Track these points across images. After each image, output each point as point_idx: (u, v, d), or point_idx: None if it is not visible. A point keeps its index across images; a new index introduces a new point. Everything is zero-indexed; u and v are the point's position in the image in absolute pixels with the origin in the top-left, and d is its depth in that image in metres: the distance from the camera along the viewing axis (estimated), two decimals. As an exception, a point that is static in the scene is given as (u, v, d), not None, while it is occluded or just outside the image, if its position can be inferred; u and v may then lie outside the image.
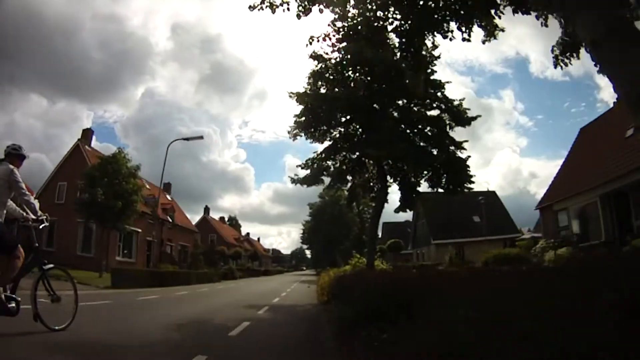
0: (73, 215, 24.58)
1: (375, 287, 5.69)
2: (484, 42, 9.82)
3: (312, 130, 18.04)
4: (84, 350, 4.27)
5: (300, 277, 48.65)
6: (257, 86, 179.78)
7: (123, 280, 17.83)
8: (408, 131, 17.11)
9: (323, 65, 17.15)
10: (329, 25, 12.47)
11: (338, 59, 16.82)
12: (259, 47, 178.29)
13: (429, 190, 18.54)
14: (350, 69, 17.12)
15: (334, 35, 12.71)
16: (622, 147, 15.30)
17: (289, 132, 18.73)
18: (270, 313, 9.04)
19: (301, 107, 17.35)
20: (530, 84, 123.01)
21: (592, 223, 16.40)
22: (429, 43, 10.35)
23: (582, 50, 7.71)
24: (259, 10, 8.94)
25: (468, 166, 17.01)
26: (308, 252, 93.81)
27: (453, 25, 9.04)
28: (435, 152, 16.91)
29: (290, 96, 17.51)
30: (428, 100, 17.20)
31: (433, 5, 8.80)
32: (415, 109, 17.46)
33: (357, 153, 17.55)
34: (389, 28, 9.91)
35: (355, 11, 10.33)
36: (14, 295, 4.53)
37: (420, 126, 17.27)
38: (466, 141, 17.05)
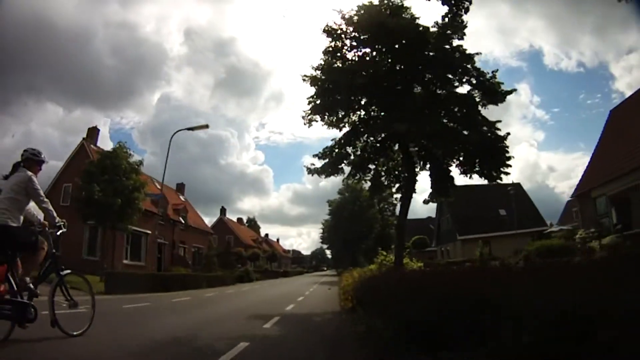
0: (79, 217, 22.85)
1: (426, 291, 3.88)
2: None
3: (329, 113, 15.97)
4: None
5: (320, 278, 46.53)
6: (274, 88, 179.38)
7: (121, 284, 15.88)
8: (438, 110, 14.81)
9: (339, 43, 15.16)
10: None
11: (355, 34, 14.79)
12: (274, 48, 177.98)
13: (461, 176, 16.26)
14: (369, 42, 14.97)
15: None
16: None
17: (303, 117, 16.63)
18: (279, 327, 6.83)
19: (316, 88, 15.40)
20: (545, 77, 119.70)
21: (635, 209, 15.12)
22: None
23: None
24: None
25: (507, 146, 14.62)
26: (328, 252, 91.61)
27: None
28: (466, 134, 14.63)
29: (304, 79, 15.45)
30: (457, 75, 14.91)
31: None
32: (441, 90, 15.22)
33: (382, 135, 15.26)
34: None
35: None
36: (31, 303, 4.47)
37: (449, 106, 14.94)
38: (499, 121, 14.76)
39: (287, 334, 6.26)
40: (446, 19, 12.86)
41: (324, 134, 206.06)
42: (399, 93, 14.54)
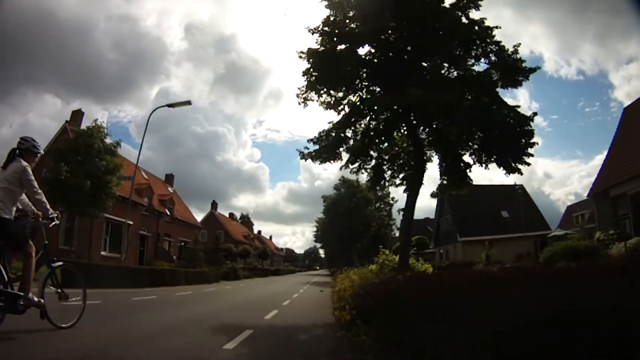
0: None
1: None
2: None
3: (327, 89, 13.96)
4: None
5: (312, 277, 44.45)
6: (272, 85, 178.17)
7: (88, 277, 13.65)
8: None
9: (339, 15, 13.18)
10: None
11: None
12: (274, 46, 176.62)
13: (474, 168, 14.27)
14: (374, 8, 12.88)
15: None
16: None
17: (297, 96, 14.58)
18: (245, 351, 4.70)
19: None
20: (544, 83, 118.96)
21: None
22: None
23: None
24: None
25: (533, 129, 12.58)
26: (322, 252, 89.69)
27: None
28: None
29: (300, 56, 13.34)
30: (473, 50, 12.88)
31: None
32: (456, 68, 13.20)
33: (387, 114, 13.17)
34: None
35: None
36: (21, 293, 4.40)
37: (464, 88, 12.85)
38: (518, 106, 12.77)
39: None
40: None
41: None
42: (407, 69, 12.50)
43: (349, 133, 14.50)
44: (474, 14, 12.61)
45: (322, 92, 14.02)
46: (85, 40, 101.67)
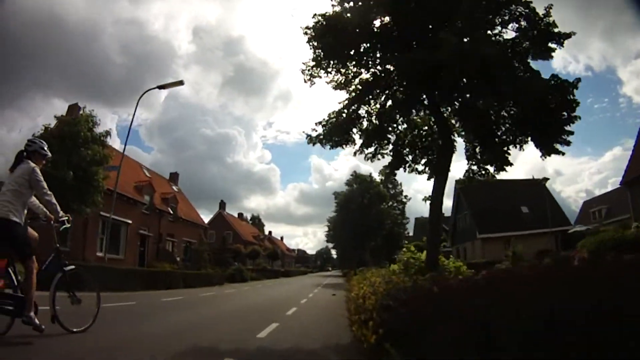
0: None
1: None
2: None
3: (336, 63, 11.87)
4: None
5: (324, 279, 42.40)
6: (281, 87, 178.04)
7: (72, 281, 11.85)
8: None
9: None
10: None
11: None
12: (282, 47, 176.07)
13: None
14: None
15: None
16: None
17: (303, 72, 12.69)
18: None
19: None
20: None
21: None
22: None
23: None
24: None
25: (576, 100, 10.39)
26: (334, 252, 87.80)
27: None
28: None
29: (305, 33, 11.66)
30: (500, 15, 10.73)
31: None
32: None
33: (406, 83, 11.05)
34: None
35: None
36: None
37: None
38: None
39: None
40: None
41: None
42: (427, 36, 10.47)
43: (362, 111, 12.56)
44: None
45: (330, 69, 12.23)
46: (93, 44, 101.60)
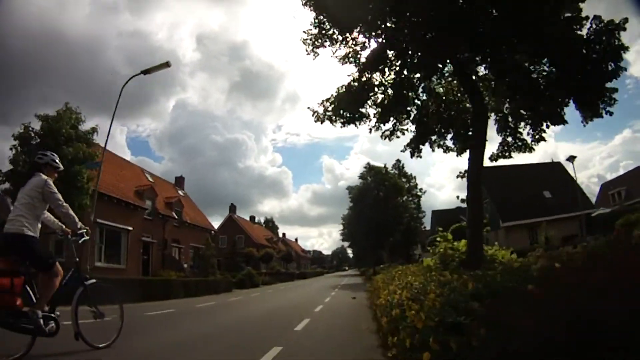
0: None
1: None
2: None
3: (341, 34, 10.25)
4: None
5: (341, 279, 40.26)
6: (288, 89, 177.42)
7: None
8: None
9: None
10: None
11: None
12: (287, 50, 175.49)
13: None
14: None
15: None
16: None
17: (304, 42, 10.89)
18: None
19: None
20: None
21: None
22: None
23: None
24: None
25: (623, 45, 8.37)
26: (350, 252, 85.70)
27: None
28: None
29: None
30: None
31: None
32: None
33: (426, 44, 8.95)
34: None
35: None
36: (52, 315, 4.17)
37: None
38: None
39: None
40: None
41: (342, 133, 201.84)
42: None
43: (375, 80, 10.59)
44: None
45: (335, 38, 10.30)
46: (98, 57, 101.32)
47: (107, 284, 5.41)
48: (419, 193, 42.18)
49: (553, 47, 8.20)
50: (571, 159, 26.96)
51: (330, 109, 10.66)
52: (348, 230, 41.42)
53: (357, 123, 11.00)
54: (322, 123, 10.97)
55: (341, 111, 10.71)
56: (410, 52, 9.64)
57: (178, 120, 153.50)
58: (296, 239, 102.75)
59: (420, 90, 11.32)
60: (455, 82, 11.30)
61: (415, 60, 9.66)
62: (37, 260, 4.23)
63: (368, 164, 37.89)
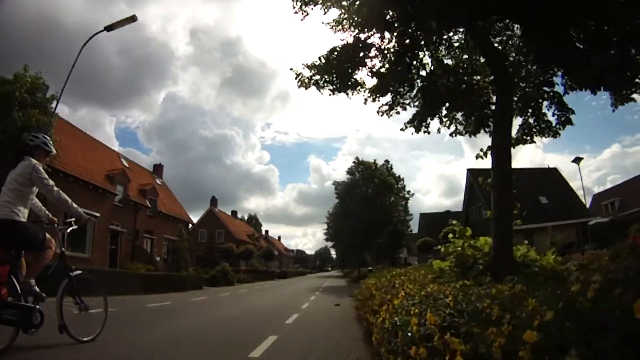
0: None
1: None
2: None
3: None
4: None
5: (324, 280, 38.29)
6: (280, 88, 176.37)
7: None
8: None
9: None
10: None
11: None
12: (280, 48, 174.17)
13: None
14: None
15: None
16: None
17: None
18: None
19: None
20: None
21: None
22: None
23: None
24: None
25: None
26: (333, 252, 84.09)
27: None
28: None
29: None
30: None
31: None
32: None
33: None
34: None
35: None
36: (38, 306, 3.97)
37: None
38: None
39: None
40: None
41: (331, 133, 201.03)
42: None
43: (374, 39, 8.76)
44: None
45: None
46: (90, 46, 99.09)
47: (92, 276, 5.16)
48: (407, 195, 40.35)
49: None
50: (577, 160, 25.58)
51: (318, 69, 8.78)
52: (333, 228, 39.28)
53: (350, 92, 9.13)
54: (306, 89, 9.07)
55: (331, 74, 8.84)
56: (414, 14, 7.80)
57: (168, 113, 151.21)
58: (279, 237, 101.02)
59: (428, 58, 9.51)
60: (466, 56, 9.53)
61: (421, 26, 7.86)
62: (30, 243, 4.10)
63: (357, 158, 35.71)
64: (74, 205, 4.37)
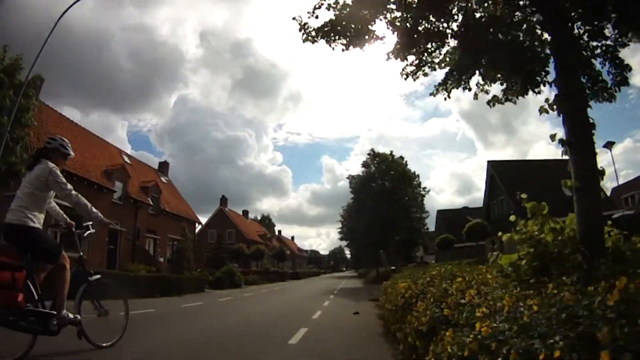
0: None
1: None
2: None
3: None
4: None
5: (338, 281, 36.26)
6: (291, 88, 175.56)
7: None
8: None
9: None
10: None
11: None
12: (291, 48, 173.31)
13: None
14: None
15: None
16: None
17: None
18: None
19: None
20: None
21: None
22: None
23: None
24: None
25: None
26: (347, 252, 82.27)
27: None
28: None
29: None
30: None
31: None
32: None
33: None
34: None
35: None
36: (53, 312, 3.81)
37: None
38: None
39: None
40: None
41: (343, 133, 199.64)
42: None
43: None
44: None
45: None
46: (102, 51, 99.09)
47: (111, 280, 5.04)
48: (423, 192, 38.00)
49: None
50: (609, 145, 23.35)
51: (328, 22, 6.78)
52: (347, 225, 37.11)
53: (363, 45, 7.08)
54: (313, 43, 7.01)
55: (344, 26, 6.84)
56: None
57: (179, 116, 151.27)
58: (292, 237, 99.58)
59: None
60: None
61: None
62: (43, 252, 3.94)
63: (372, 150, 33.38)
64: (94, 209, 4.22)
